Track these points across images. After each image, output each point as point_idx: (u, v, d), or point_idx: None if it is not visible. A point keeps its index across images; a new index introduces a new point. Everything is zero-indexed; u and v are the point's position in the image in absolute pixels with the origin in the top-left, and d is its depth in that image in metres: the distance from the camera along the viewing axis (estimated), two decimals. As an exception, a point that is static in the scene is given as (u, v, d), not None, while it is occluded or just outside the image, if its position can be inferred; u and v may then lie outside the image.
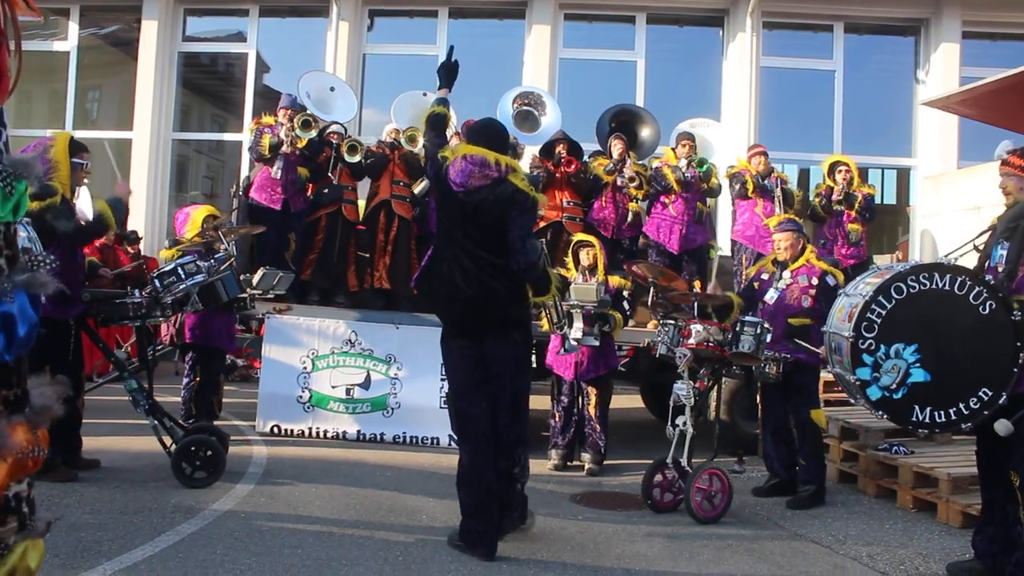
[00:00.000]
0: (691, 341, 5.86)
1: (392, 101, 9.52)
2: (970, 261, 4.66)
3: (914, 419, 4.30)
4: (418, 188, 8.52)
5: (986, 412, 4.24)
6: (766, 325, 5.94)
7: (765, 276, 6.52)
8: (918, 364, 4.25)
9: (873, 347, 4.27)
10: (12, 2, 1.61)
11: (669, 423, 5.92)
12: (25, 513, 1.59)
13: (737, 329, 5.86)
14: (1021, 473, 4.30)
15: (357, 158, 8.55)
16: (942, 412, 4.27)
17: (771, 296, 6.37)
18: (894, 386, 4.26)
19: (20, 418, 1.53)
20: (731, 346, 5.83)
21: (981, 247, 4.65)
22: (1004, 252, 4.42)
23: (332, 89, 9.72)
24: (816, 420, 6.19)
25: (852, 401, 5.28)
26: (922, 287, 4.27)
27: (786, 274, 6.36)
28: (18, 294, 1.46)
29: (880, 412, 4.35)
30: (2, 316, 1.42)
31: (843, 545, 5.27)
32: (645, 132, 9.45)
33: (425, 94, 9.73)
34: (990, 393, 4.23)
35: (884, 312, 4.27)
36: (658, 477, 5.94)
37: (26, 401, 1.56)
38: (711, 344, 5.84)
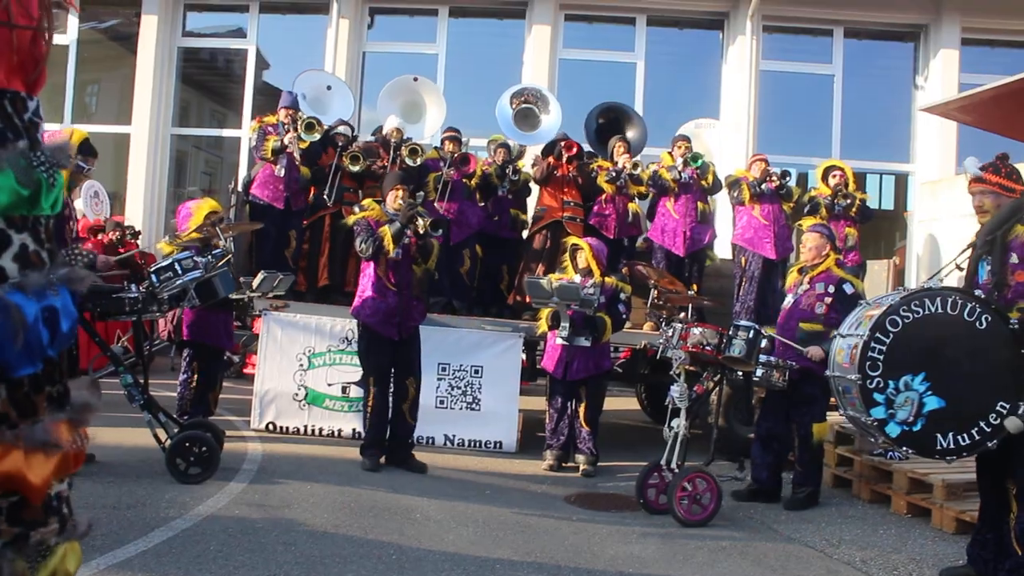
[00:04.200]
0: (688, 344, 5.87)
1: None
2: (952, 281, 4.66)
3: (939, 448, 4.23)
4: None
5: (1008, 416, 4.19)
6: (761, 330, 5.94)
7: (791, 285, 6.56)
8: (930, 392, 4.20)
9: (882, 385, 4.22)
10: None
11: (666, 425, 5.93)
12: (65, 514, 1.58)
13: (731, 333, 5.87)
14: (1018, 482, 4.30)
15: (358, 168, 8.52)
16: (965, 435, 4.21)
17: (787, 301, 6.38)
18: (911, 419, 4.20)
19: (63, 415, 1.52)
20: (725, 350, 5.84)
21: (964, 265, 4.65)
22: (990, 267, 4.42)
23: (329, 88, 9.70)
24: (817, 434, 6.20)
25: (871, 440, 5.22)
26: (915, 315, 4.25)
27: (805, 279, 6.36)
28: (61, 289, 1.46)
29: (904, 448, 4.29)
30: (48, 310, 1.42)
31: (836, 549, 5.27)
32: (631, 133, 9.45)
33: (415, 79, 9.68)
34: (1008, 405, 4.19)
35: (884, 348, 4.23)
36: (653, 479, 5.95)
37: (68, 398, 1.56)
38: (707, 348, 5.84)
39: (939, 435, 4.22)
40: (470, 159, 8.53)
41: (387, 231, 6.46)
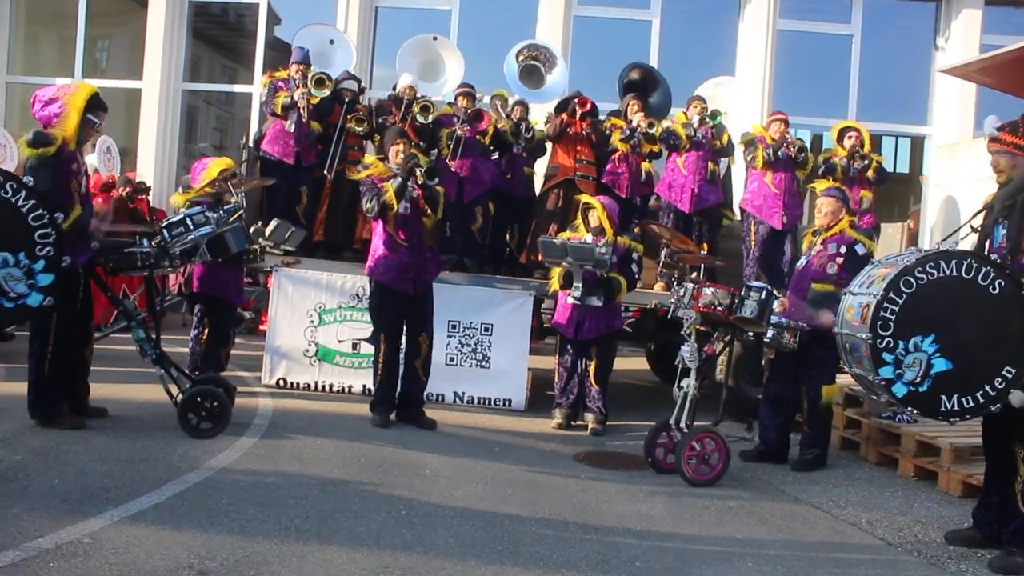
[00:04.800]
0: (699, 304, 5.86)
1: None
2: (968, 243, 4.62)
3: (943, 409, 4.23)
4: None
5: (1012, 390, 4.19)
6: (773, 291, 5.92)
7: (804, 246, 6.56)
8: (938, 353, 4.18)
9: (892, 344, 4.20)
10: None
11: (676, 385, 5.94)
12: None
13: (743, 294, 5.86)
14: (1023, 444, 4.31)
15: (363, 130, 8.46)
16: (969, 398, 4.20)
17: (801, 262, 6.38)
18: (918, 380, 4.18)
19: None
20: (736, 311, 5.83)
21: (979, 228, 4.61)
22: (1006, 231, 4.38)
23: (331, 42, 9.60)
24: (827, 396, 6.23)
25: (874, 398, 5.24)
26: (930, 276, 4.20)
27: (818, 241, 6.35)
28: None
29: (909, 408, 4.30)
30: None
31: (843, 511, 5.30)
32: (654, 98, 9.36)
33: (435, 38, 9.57)
34: (1013, 371, 4.17)
35: (897, 308, 4.19)
36: (661, 438, 5.98)
37: None
38: (719, 308, 5.83)
39: (944, 397, 4.22)
40: (483, 115, 8.47)
41: (389, 187, 6.48)
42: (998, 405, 4.21)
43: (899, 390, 4.23)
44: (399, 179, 6.50)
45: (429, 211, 6.66)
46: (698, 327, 5.96)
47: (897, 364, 4.21)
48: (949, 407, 4.23)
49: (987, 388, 4.20)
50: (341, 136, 8.48)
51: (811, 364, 6.19)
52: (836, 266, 6.15)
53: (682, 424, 5.87)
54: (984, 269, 4.19)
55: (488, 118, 8.52)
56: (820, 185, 6.83)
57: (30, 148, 5.28)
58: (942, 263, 4.22)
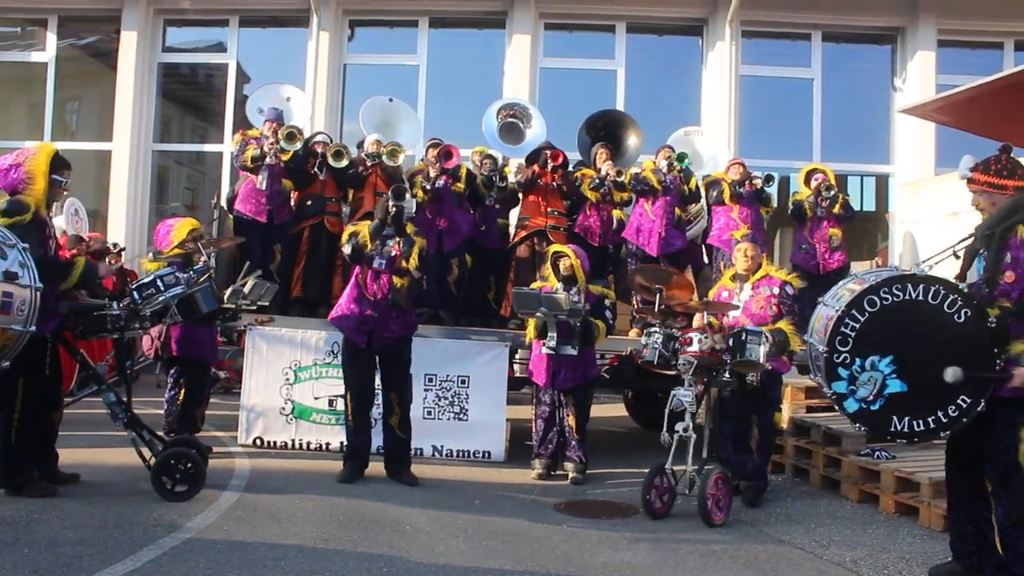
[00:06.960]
0: (694, 348, 5.92)
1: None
2: (947, 267, 4.68)
3: (892, 429, 4.28)
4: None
5: (964, 419, 4.24)
6: (767, 334, 6.00)
7: (725, 294, 6.68)
8: (894, 375, 4.23)
9: (848, 360, 4.25)
10: None
11: (665, 430, 5.96)
12: None
13: (743, 339, 5.94)
14: (993, 478, 4.33)
15: (343, 163, 8.53)
16: (920, 421, 4.26)
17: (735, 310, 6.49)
18: (871, 398, 4.23)
19: None
20: (736, 355, 5.92)
21: (961, 254, 4.67)
22: (985, 263, 4.44)
23: (288, 99, 9.71)
24: (777, 422, 6.48)
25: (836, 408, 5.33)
26: (895, 298, 4.25)
27: (747, 287, 6.54)
28: None
29: (858, 425, 4.36)
30: None
31: (826, 550, 5.29)
32: (631, 140, 9.49)
33: (391, 99, 9.72)
34: (968, 400, 4.21)
35: (857, 326, 4.25)
36: (655, 483, 5.98)
37: None
38: (714, 352, 5.93)
39: (895, 417, 4.27)
40: (452, 152, 8.55)
41: (364, 227, 6.67)
42: (948, 432, 4.31)
43: (850, 406, 4.29)
44: (376, 221, 6.66)
45: (405, 266, 6.61)
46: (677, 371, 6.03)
47: (851, 380, 4.27)
48: (899, 428, 4.29)
49: (939, 414, 4.26)
50: (323, 168, 8.56)
51: (761, 397, 6.40)
52: (775, 307, 6.37)
53: (687, 468, 5.94)
54: (951, 297, 4.24)
55: (456, 154, 8.62)
56: (738, 233, 7.02)
57: (5, 217, 5.23)
58: (909, 286, 4.27)
